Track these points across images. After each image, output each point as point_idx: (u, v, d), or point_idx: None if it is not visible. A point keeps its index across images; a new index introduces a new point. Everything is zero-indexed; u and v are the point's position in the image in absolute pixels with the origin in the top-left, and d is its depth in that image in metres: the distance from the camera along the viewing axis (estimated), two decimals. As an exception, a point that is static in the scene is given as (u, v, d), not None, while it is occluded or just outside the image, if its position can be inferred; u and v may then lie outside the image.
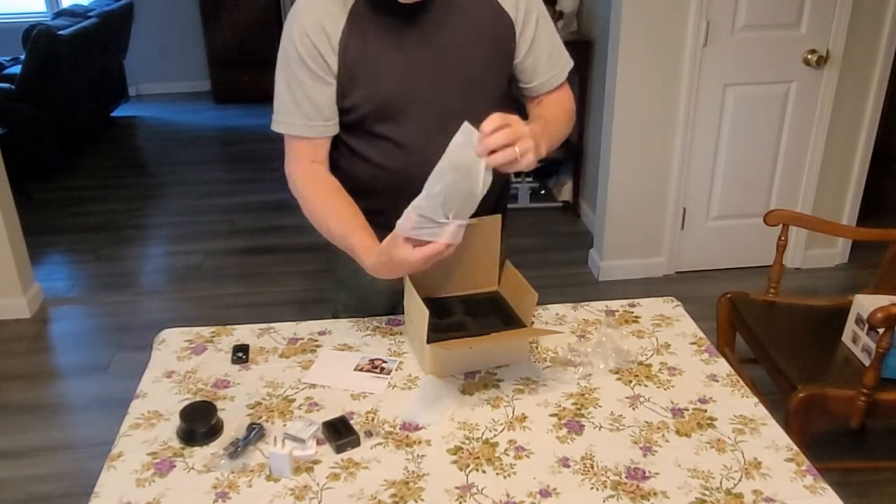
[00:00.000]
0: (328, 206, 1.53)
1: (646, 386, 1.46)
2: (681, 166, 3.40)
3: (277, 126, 1.55)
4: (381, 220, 1.55)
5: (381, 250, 1.39)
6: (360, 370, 1.50)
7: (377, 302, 1.74)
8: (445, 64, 1.51)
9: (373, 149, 1.56)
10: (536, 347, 1.57)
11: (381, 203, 1.50)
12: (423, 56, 1.50)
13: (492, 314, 1.60)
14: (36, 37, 4.59)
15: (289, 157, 1.57)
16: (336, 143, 1.61)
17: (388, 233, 1.49)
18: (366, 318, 1.67)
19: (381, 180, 1.57)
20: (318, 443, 1.30)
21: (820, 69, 3.27)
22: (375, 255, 1.41)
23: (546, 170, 4.47)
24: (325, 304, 1.86)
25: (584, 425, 1.35)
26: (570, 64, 1.65)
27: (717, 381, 1.48)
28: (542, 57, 1.59)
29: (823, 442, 2.34)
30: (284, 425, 1.33)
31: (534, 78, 1.62)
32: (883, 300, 1.97)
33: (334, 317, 1.81)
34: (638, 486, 1.21)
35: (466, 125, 1.29)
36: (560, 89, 1.66)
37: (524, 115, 1.67)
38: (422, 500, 1.19)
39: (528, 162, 1.30)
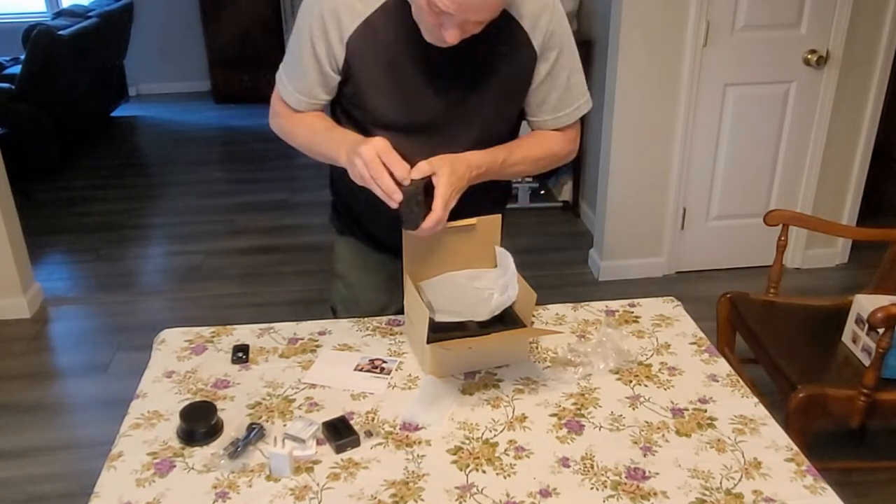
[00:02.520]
0: (312, 118, 1.53)
1: (646, 386, 1.46)
2: (681, 166, 3.40)
3: (278, 75, 1.55)
4: (376, 224, 1.55)
5: (368, 139, 1.38)
6: (360, 370, 1.50)
7: (372, 297, 1.74)
8: (457, 94, 1.47)
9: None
10: (536, 347, 1.57)
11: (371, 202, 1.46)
12: (434, 87, 1.45)
13: (492, 314, 1.60)
14: (36, 37, 4.59)
15: (275, 97, 1.58)
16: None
17: (390, 250, 1.56)
18: (366, 318, 1.67)
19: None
20: (318, 443, 1.30)
21: (820, 69, 3.27)
22: (360, 139, 1.41)
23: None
24: (325, 303, 1.87)
25: (584, 425, 1.35)
26: (587, 107, 1.58)
27: (717, 381, 1.47)
28: (552, 95, 1.53)
29: (823, 442, 2.34)
30: (284, 425, 1.33)
31: (537, 114, 1.56)
32: (883, 300, 1.97)
33: (332, 310, 1.82)
34: (638, 486, 1.21)
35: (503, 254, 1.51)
36: (563, 129, 1.59)
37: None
38: (422, 500, 1.19)
39: None
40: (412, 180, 1.34)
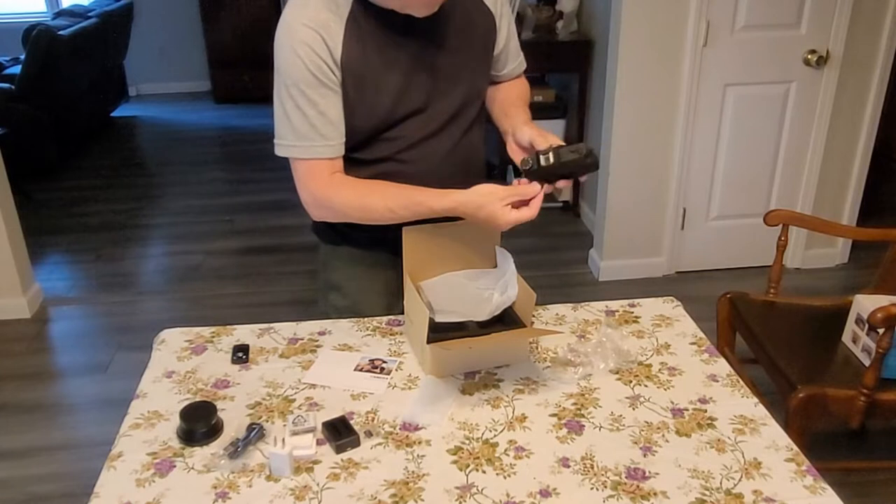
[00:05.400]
0: (373, 191, 1.48)
1: (646, 386, 1.46)
2: (681, 166, 3.40)
3: (289, 151, 1.47)
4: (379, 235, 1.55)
5: (484, 191, 1.40)
6: (360, 370, 1.50)
7: (373, 303, 1.73)
8: (443, 72, 1.52)
9: (377, 152, 1.55)
10: (536, 347, 1.57)
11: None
12: (422, 68, 1.50)
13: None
14: (36, 37, 4.59)
15: (304, 180, 1.49)
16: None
17: (389, 253, 1.58)
18: (366, 319, 1.67)
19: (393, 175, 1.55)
20: (318, 443, 1.30)
21: (820, 69, 3.27)
22: (471, 193, 1.40)
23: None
24: (325, 304, 1.86)
25: (584, 425, 1.35)
26: None
27: (717, 381, 1.48)
28: (512, 43, 1.69)
29: (823, 442, 2.34)
30: (284, 425, 1.33)
31: (506, 65, 1.71)
32: (883, 300, 1.97)
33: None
34: (638, 486, 1.21)
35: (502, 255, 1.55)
36: (522, 75, 1.79)
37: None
38: (422, 500, 1.19)
39: None
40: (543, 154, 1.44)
